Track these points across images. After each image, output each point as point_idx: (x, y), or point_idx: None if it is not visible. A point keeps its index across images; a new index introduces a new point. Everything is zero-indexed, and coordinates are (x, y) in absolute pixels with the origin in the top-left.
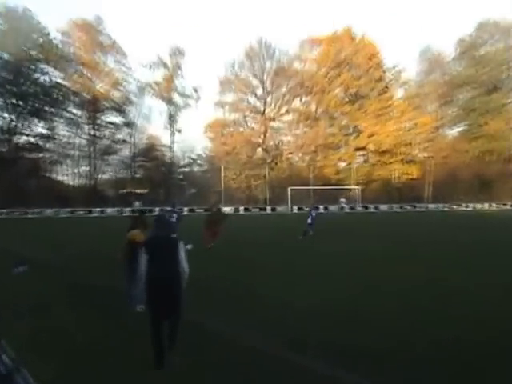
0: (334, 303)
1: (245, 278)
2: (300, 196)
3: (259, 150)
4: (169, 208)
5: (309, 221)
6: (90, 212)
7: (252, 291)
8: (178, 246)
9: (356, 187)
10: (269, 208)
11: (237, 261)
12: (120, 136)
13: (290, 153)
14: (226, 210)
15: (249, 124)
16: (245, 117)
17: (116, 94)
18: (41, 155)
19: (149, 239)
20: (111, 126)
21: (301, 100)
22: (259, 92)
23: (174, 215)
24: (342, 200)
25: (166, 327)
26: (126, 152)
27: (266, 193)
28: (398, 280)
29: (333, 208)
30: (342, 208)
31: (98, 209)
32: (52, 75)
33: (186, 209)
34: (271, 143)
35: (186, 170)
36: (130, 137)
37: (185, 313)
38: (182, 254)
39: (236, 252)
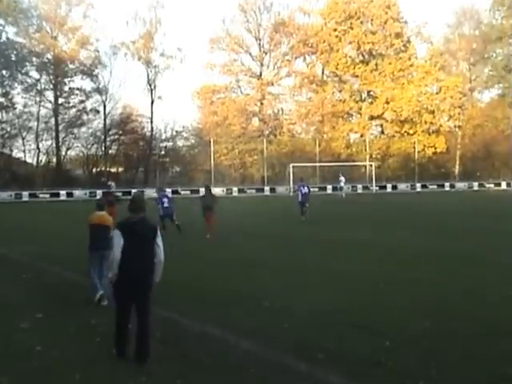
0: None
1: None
2: (304, 174)
3: (255, 120)
4: (158, 192)
5: (299, 199)
6: (56, 195)
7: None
8: (156, 232)
9: (370, 163)
10: (267, 189)
11: (231, 258)
12: (89, 104)
13: (292, 123)
14: (217, 191)
15: (243, 90)
16: (238, 81)
17: (84, 55)
18: None
19: (124, 222)
20: (79, 92)
21: (304, 60)
22: (255, 51)
23: (165, 200)
24: (342, 178)
25: (136, 325)
26: (97, 124)
27: (264, 171)
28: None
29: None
30: (341, 188)
31: (65, 191)
32: (7, 32)
33: (168, 190)
34: (269, 112)
35: (169, 144)
36: (102, 106)
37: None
38: (160, 243)
39: (230, 245)
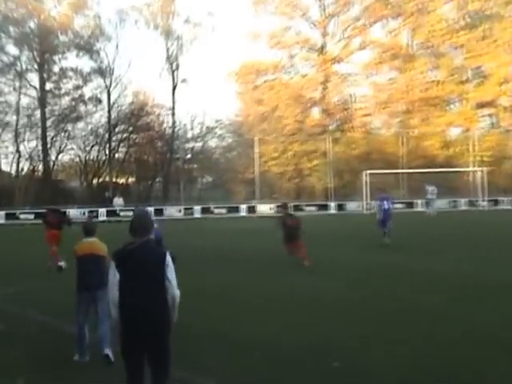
0: None
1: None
2: (384, 184)
3: (316, 110)
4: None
5: (380, 216)
6: (42, 216)
7: None
8: (164, 261)
9: (478, 169)
10: (333, 205)
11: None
12: (88, 91)
13: (367, 114)
14: (263, 209)
15: (299, 68)
16: (292, 57)
17: (81, 23)
18: None
19: (119, 250)
20: (74, 74)
21: (384, 26)
22: (315, 15)
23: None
24: (430, 188)
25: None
26: (98, 117)
27: (329, 180)
28: None
29: (442, 202)
30: (428, 202)
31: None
32: None
33: (197, 208)
34: (335, 99)
35: (198, 145)
36: (106, 93)
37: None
38: (170, 275)
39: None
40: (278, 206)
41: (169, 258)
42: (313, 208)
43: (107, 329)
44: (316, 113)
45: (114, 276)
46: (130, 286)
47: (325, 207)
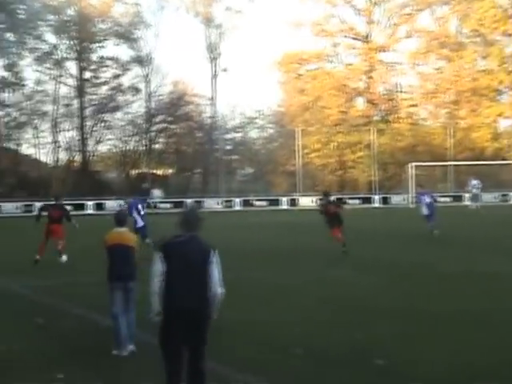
0: None
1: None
2: (430, 177)
3: (360, 100)
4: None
5: (424, 211)
6: (80, 207)
7: None
8: (209, 257)
9: None
10: (377, 198)
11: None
12: (127, 80)
13: (413, 105)
14: (305, 202)
15: (343, 57)
16: (336, 45)
17: (120, 10)
18: None
19: (167, 242)
20: (112, 63)
21: (432, 13)
22: (360, 3)
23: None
24: (474, 182)
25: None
26: (137, 107)
27: (373, 173)
28: None
29: (490, 196)
30: (475, 197)
31: (92, 202)
32: None
33: (237, 200)
34: (380, 89)
35: (238, 136)
36: (144, 82)
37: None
38: (216, 272)
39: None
40: (322, 194)
41: (215, 254)
42: (356, 201)
43: (133, 322)
44: (360, 103)
45: (158, 267)
46: (173, 279)
47: (369, 200)
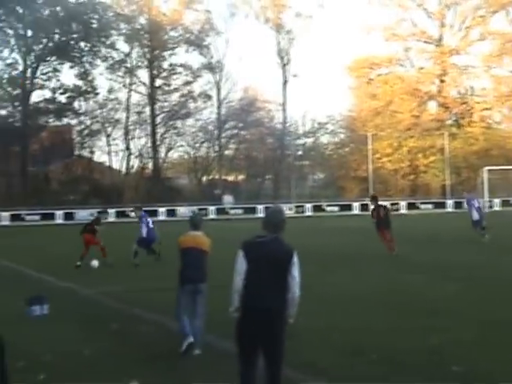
0: None
1: None
2: (504, 181)
3: (432, 104)
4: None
5: (475, 216)
6: (153, 213)
7: None
8: (291, 258)
9: None
10: (450, 203)
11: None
12: (198, 87)
13: (487, 108)
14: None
15: (415, 62)
16: (407, 50)
17: (191, 18)
18: (67, 121)
19: (249, 241)
20: (184, 70)
21: (506, 15)
22: (432, 6)
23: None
24: None
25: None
26: (208, 114)
27: (446, 177)
28: None
29: None
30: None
31: (164, 208)
32: None
33: (308, 206)
34: (453, 93)
35: (309, 141)
36: (216, 89)
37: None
38: (295, 273)
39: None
40: (370, 199)
41: (296, 257)
42: (429, 206)
43: (202, 325)
44: (433, 107)
45: (240, 265)
46: (253, 278)
47: (441, 205)
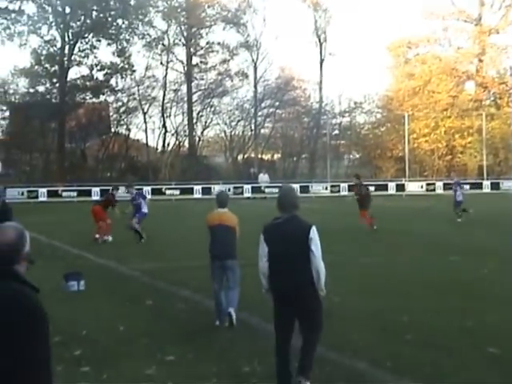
0: None
1: None
2: None
3: (470, 84)
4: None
5: (459, 197)
6: (188, 191)
7: None
8: (309, 234)
9: None
10: (487, 183)
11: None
12: (235, 66)
13: None
14: (412, 187)
15: (453, 41)
16: (445, 29)
17: None
18: (104, 98)
19: (267, 225)
20: (221, 48)
21: None
22: None
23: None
24: None
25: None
26: (244, 92)
27: (483, 158)
28: None
29: None
30: None
31: (200, 186)
32: None
33: (344, 185)
34: (492, 73)
35: (345, 121)
36: (252, 67)
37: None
38: (314, 248)
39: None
40: (355, 176)
41: (313, 232)
42: (466, 186)
43: (235, 296)
44: (471, 87)
45: (262, 248)
46: (276, 258)
47: (478, 186)
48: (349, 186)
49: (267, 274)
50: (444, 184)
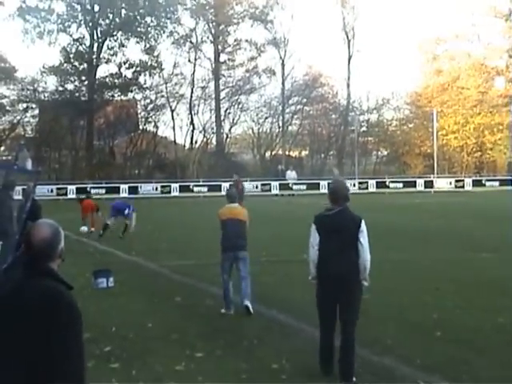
0: None
1: None
2: None
3: (500, 80)
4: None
5: None
6: (216, 188)
7: None
8: (359, 227)
9: None
10: None
11: None
12: (263, 63)
13: None
14: (441, 184)
15: (481, 38)
16: (475, 24)
17: None
18: (132, 95)
19: (319, 215)
20: (248, 45)
21: None
22: None
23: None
24: None
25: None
26: (272, 89)
27: None
28: None
29: None
30: None
31: (227, 183)
32: None
33: (372, 182)
34: None
35: (373, 117)
36: (280, 64)
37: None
38: (363, 240)
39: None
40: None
41: (363, 225)
42: (495, 183)
43: (248, 285)
44: (500, 83)
45: (314, 238)
46: (326, 248)
47: (508, 182)
48: (377, 182)
49: (316, 262)
50: (473, 181)
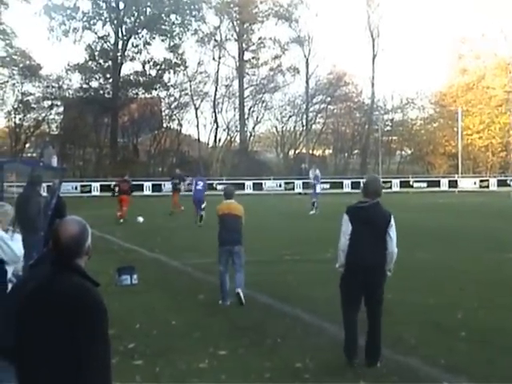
0: None
1: None
2: None
3: None
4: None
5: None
6: (239, 186)
7: None
8: (389, 221)
9: None
10: None
11: None
12: (287, 61)
13: None
14: (465, 184)
15: (507, 37)
16: (499, 25)
17: None
18: (156, 93)
19: (352, 207)
20: (272, 44)
21: None
22: None
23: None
24: None
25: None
26: (296, 88)
27: None
28: None
29: None
30: None
31: (251, 181)
32: None
33: (395, 181)
34: None
35: (397, 116)
36: (304, 63)
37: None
38: (393, 234)
39: None
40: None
41: (393, 219)
42: None
43: (242, 278)
44: None
45: (346, 227)
46: (357, 238)
47: None
48: (400, 182)
49: (346, 251)
50: (498, 180)
